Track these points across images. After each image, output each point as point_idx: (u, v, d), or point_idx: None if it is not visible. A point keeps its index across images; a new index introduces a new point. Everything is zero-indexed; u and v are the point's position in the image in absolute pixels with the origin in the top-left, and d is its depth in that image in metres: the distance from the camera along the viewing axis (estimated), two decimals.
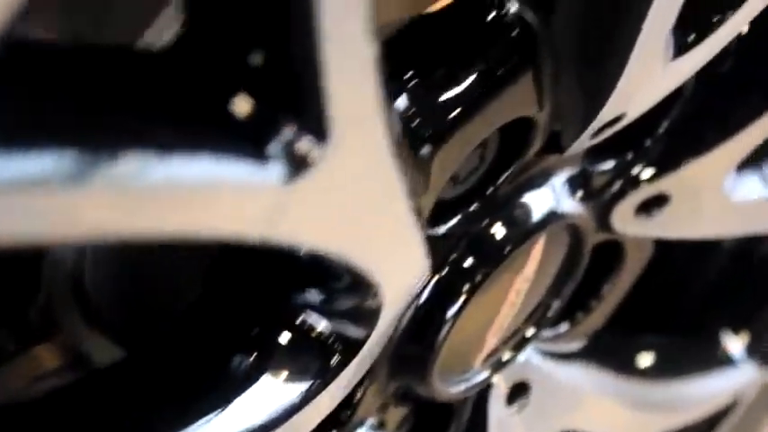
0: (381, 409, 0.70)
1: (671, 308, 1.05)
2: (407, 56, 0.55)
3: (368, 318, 0.55)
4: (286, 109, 0.40)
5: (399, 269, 0.54)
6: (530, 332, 0.74)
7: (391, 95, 0.52)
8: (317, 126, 0.41)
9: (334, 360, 0.55)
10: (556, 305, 0.74)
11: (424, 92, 0.54)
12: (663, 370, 0.98)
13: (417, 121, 0.54)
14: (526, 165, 0.66)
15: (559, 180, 0.69)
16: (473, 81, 0.55)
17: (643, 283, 0.96)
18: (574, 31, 0.56)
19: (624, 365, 0.95)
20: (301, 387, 0.54)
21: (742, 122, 0.76)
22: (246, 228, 0.42)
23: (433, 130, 0.55)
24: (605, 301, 0.84)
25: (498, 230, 0.67)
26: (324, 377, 0.55)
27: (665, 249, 1.00)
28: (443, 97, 0.55)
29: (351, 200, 0.45)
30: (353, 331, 0.55)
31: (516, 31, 0.55)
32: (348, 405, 0.66)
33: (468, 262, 0.67)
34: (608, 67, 0.57)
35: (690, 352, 1.03)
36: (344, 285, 0.53)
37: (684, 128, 0.74)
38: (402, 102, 0.54)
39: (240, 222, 0.42)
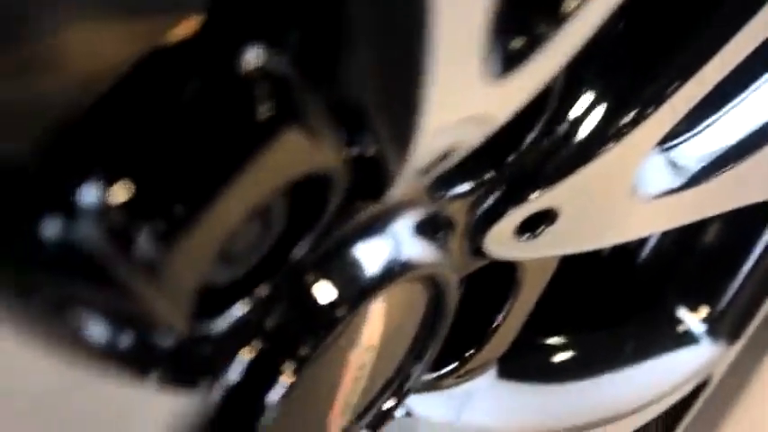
0: None
1: (605, 292, 0.90)
2: (110, 125, 0.39)
3: None
4: None
5: None
6: (388, 405, 0.59)
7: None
8: None
9: None
10: (419, 370, 0.58)
11: (138, 179, 0.38)
12: (597, 367, 0.84)
13: (126, 214, 0.38)
14: (344, 216, 0.50)
15: (398, 222, 0.53)
16: (206, 154, 0.39)
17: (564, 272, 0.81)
18: (344, 70, 0.40)
19: (548, 375, 0.81)
20: None
21: (645, 109, 0.60)
22: None
23: (156, 221, 0.39)
24: (503, 328, 0.69)
25: (319, 297, 0.51)
26: None
27: None
28: (164, 183, 0.39)
29: None
30: None
31: (262, 84, 0.39)
32: None
33: (287, 338, 0.51)
34: (399, 103, 0.41)
35: (637, 337, 0.89)
36: None
37: (562, 131, 0.57)
38: (92, 192, 0.38)
39: None
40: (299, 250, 0.48)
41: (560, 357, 0.84)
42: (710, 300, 0.91)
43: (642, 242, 0.91)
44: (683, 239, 0.90)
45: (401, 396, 0.59)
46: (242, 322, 0.48)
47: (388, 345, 0.56)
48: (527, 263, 0.66)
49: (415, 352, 0.58)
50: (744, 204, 0.75)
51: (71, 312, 0.39)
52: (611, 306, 0.89)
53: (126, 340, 0.40)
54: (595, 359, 0.85)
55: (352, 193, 0.48)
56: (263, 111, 0.40)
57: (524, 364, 0.79)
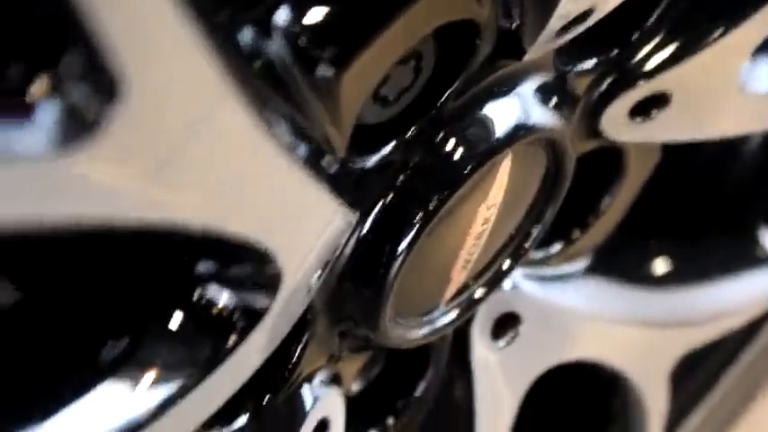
0: (330, 362, 0.61)
1: (696, 204, 0.94)
2: None
3: (267, 286, 0.45)
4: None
5: (289, 227, 0.43)
6: (506, 265, 0.63)
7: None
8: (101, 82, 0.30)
9: (232, 336, 0.45)
10: (536, 232, 0.63)
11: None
12: (684, 276, 0.87)
13: (309, 36, 0.43)
14: (482, 73, 0.55)
15: (528, 87, 0.57)
16: None
17: (661, 179, 0.86)
18: None
19: (638, 276, 0.84)
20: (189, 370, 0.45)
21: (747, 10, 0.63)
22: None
23: (331, 46, 0.44)
24: (606, 215, 0.73)
25: (452, 150, 0.56)
26: (217, 356, 0.45)
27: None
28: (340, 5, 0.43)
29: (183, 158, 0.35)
30: (252, 301, 0.45)
31: None
32: (284, 365, 0.57)
33: (419, 188, 0.56)
34: None
35: (720, 253, 0.93)
36: (232, 255, 0.43)
37: (683, 14, 0.61)
38: (285, 14, 0.42)
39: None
40: (446, 99, 0.52)
41: (653, 263, 0.87)
42: None
43: (736, 159, 0.94)
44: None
45: (519, 256, 0.63)
46: (389, 161, 0.53)
47: (510, 205, 0.61)
48: (632, 151, 0.70)
49: (534, 213, 0.62)
50: None
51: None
52: (705, 219, 0.92)
53: (303, 149, 0.44)
54: (684, 269, 0.88)
55: (496, 52, 0.53)
56: None
57: (619, 263, 0.83)
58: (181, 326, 0.44)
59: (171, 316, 0.44)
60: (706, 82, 0.65)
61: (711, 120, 0.69)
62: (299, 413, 0.59)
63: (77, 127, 0.30)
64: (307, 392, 0.60)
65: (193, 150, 0.35)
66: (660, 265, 0.86)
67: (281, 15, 0.42)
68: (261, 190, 0.40)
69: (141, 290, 0.44)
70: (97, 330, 0.43)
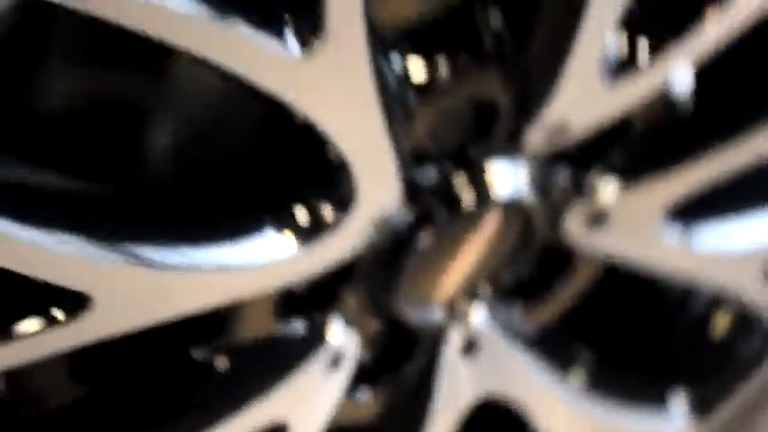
0: (357, 311, 0.92)
1: (632, 349, 1.19)
2: None
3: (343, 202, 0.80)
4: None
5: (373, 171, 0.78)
6: (482, 289, 0.96)
7: None
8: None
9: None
10: (508, 275, 0.96)
11: None
12: (595, 390, 1.10)
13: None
14: (498, 149, 0.89)
15: (531, 174, 0.91)
16: None
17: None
18: None
19: (561, 371, 1.08)
20: None
21: (676, 162, 0.98)
22: None
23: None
24: (555, 297, 1.05)
25: (462, 189, 0.89)
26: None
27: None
28: None
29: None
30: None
31: None
32: (328, 295, 0.90)
33: (436, 207, 0.88)
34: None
35: (629, 391, 1.15)
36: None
37: (629, 155, 0.96)
38: None
39: None
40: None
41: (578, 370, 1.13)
42: (699, 387, 1.19)
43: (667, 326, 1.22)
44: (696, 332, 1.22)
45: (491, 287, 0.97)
46: (427, 179, 0.87)
47: (492, 246, 0.94)
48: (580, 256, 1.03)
49: (507, 260, 0.95)
50: None
51: None
52: (630, 354, 1.21)
53: None
54: (595, 380, 1.11)
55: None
56: None
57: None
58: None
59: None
60: (635, 214, 0.99)
61: (634, 249, 1.01)
62: None
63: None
64: None
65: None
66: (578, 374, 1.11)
67: None
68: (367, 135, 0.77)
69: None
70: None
